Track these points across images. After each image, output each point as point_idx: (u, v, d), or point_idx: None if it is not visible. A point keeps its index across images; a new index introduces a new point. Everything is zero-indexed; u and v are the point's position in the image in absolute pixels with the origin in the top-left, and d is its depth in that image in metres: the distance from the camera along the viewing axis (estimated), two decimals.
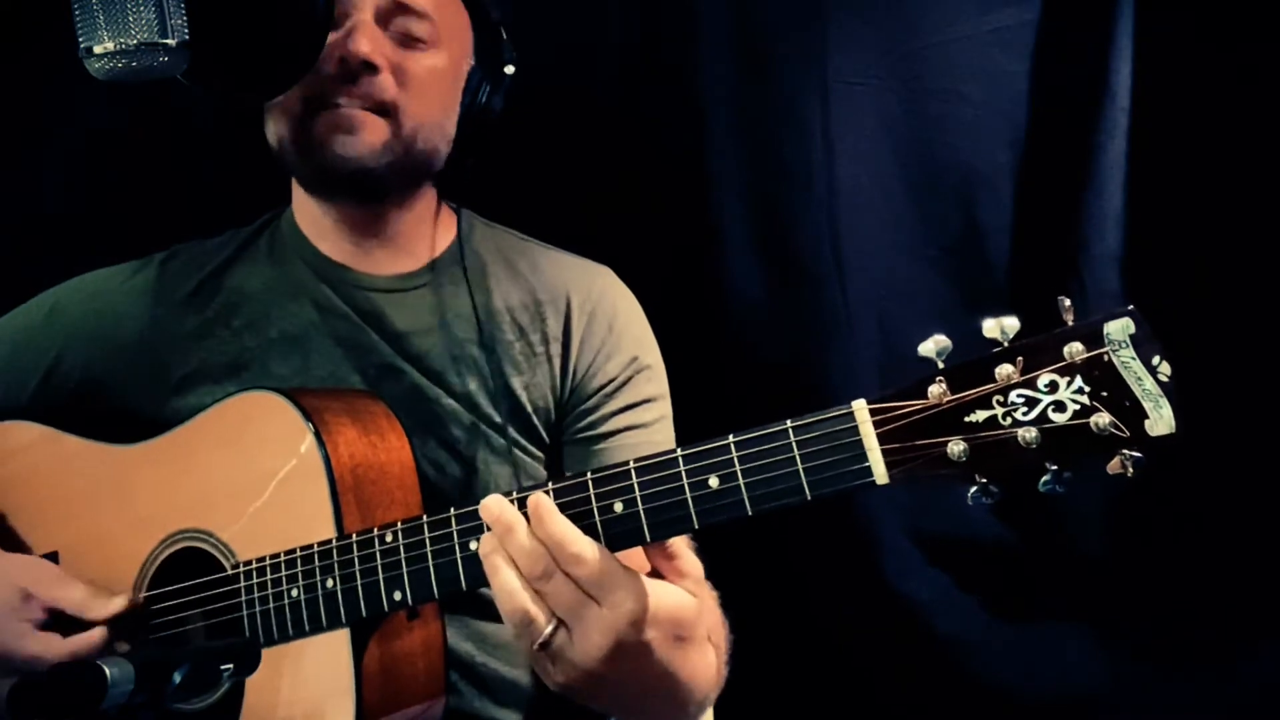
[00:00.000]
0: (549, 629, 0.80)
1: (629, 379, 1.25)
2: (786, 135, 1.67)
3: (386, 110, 1.14)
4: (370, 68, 1.12)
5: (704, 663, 0.93)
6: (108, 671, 0.73)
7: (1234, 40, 1.44)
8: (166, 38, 0.81)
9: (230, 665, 0.83)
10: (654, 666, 0.84)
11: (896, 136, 1.65)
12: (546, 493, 0.84)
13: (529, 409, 1.22)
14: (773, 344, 1.70)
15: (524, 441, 1.21)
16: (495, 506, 0.83)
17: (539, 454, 1.23)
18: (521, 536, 0.81)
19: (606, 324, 1.26)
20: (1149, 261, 1.50)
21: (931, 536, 1.67)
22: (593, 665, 0.81)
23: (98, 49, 0.80)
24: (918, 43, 1.62)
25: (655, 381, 1.28)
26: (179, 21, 0.82)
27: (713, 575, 1.34)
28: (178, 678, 0.78)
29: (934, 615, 1.66)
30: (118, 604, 1.03)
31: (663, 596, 0.84)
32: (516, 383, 1.22)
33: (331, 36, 1.12)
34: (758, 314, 1.71)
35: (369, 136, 1.13)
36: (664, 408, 1.27)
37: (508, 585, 0.81)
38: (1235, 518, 1.51)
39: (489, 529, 0.83)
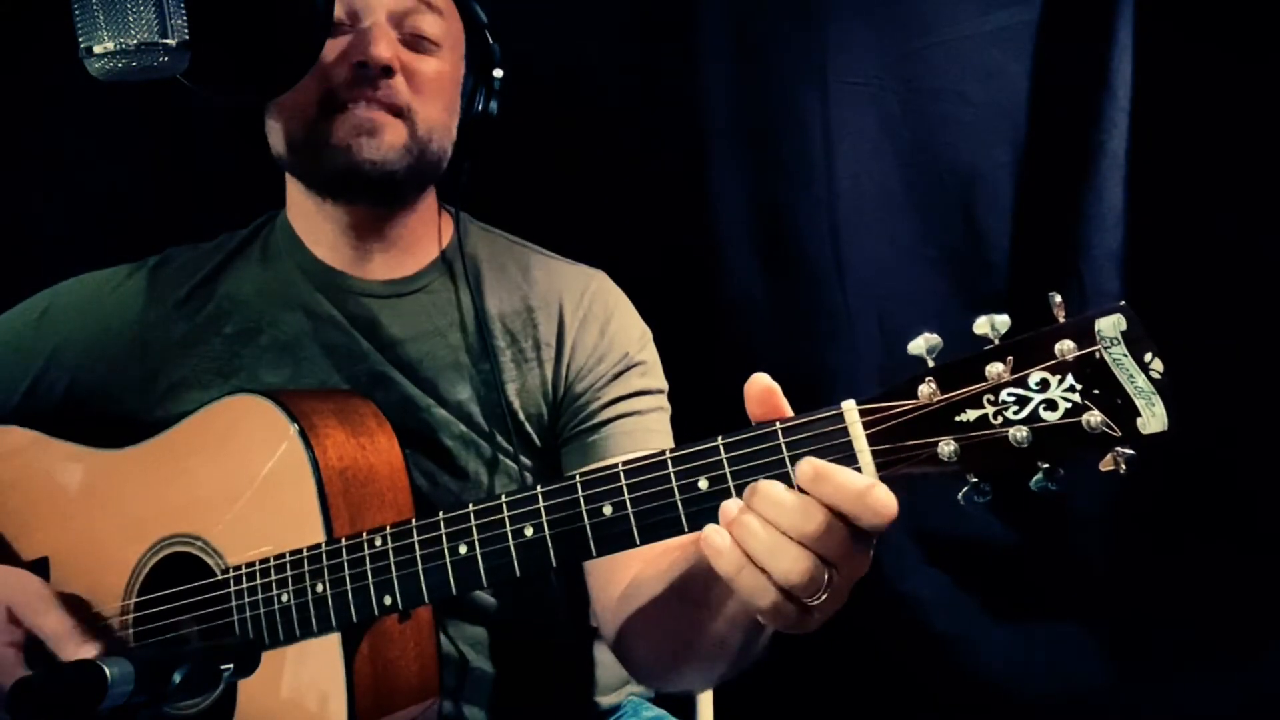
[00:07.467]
0: (827, 575, 0.73)
1: (620, 373, 1.24)
2: (786, 135, 1.67)
3: (401, 113, 1.15)
4: (388, 72, 1.13)
5: None
6: (108, 671, 0.74)
7: (1234, 40, 1.44)
8: (166, 38, 0.81)
9: (230, 665, 0.83)
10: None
11: (896, 136, 1.65)
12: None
13: (521, 416, 1.21)
14: (773, 344, 1.71)
15: (516, 450, 1.20)
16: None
17: (530, 462, 1.22)
18: (786, 500, 0.73)
19: (599, 328, 1.25)
20: (1149, 261, 1.50)
21: (931, 536, 1.67)
22: (849, 587, 0.75)
23: (98, 49, 0.80)
24: (918, 43, 1.62)
25: (649, 376, 1.27)
26: (179, 21, 0.82)
27: None
28: (178, 678, 0.78)
29: (933, 614, 1.66)
30: (90, 651, 1.00)
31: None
32: (510, 390, 1.21)
33: (344, 39, 1.13)
34: (758, 314, 1.71)
35: (390, 138, 1.14)
36: (659, 400, 1.26)
37: (789, 550, 0.72)
38: (1235, 518, 1.51)
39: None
